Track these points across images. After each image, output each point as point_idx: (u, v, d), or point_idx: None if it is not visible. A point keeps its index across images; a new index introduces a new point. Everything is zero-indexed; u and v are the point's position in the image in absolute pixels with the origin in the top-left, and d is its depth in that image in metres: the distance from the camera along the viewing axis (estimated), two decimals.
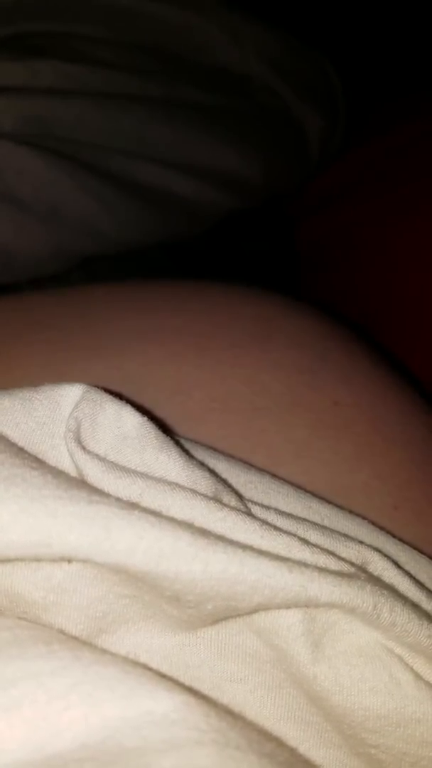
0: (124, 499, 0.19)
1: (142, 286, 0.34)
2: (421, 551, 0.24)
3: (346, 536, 0.23)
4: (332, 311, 0.36)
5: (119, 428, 0.21)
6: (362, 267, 0.56)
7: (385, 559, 0.23)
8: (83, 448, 0.20)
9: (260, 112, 0.57)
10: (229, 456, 0.24)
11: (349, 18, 0.72)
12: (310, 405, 0.28)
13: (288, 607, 0.19)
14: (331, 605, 0.19)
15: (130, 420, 0.21)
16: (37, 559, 0.17)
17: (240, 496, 0.23)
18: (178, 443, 0.22)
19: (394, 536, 0.24)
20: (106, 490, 0.19)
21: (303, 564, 0.19)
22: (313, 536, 0.22)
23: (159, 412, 0.26)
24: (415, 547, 0.24)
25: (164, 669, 0.20)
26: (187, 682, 0.20)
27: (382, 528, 0.24)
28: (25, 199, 0.42)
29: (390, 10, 0.73)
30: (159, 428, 0.21)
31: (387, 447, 0.28)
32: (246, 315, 0.31)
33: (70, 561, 0.18)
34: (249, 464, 0.24)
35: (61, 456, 0.20)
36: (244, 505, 0.22)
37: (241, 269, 0.59)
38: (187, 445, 0.23)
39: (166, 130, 0.49)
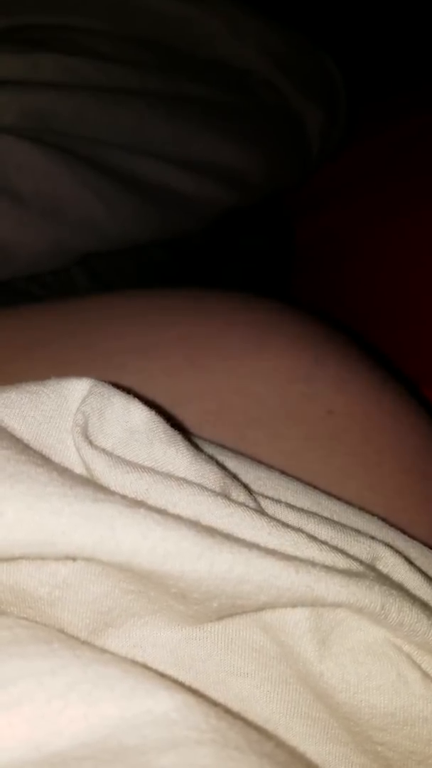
0: (131, 494, 0.19)
1: (137, 297, 0.34)
2: None
3: (357, 532, 0.23)
4: (326, 313, 0.36)
5: (127, 422, 0.21)
6: (350, 267, 0.56)
7: (396, 555, 0.23)
8: (90, 442, 0.20)
9: (260, 107, 0.56)
10: (239, 453, 0.24)
11: (349, 13, 0.71)
12: (303, 415, 0.28)
13: (294, 605, 0.19)
14: (338, 605, 0.19)
15: (138, 414, 0.21)
16: (42, 557, 0.17)
17: (249, 491, 0.22)
18: (186, 438, 0.21)
19: (405, 532, 0.24)
20: (112, 485, 0.19)
21: (310, 563, 0.19)
22: (323, 532, 0.22)
23: None
24: None
25: (171, 662, 0.20)
26: (193, 675, 0.20)
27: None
28: (25, 194, 0.42)
29: (390, 6, 0.71)
30: (168, 423, 0.21)
31: (379, 457, 0.27)
32: (241, 323, 0.31)
33: (74, 559, 0.18)
34: (258, 461, 0.24)
35: (67, 450, 0.20)
36: (253, 500, 0.22)
37: (239, 265, 0.58)
38: (196, 442, 0.23)
39: (165, 125, 0.49)
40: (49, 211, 0.43)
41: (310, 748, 0.20)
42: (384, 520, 0.24)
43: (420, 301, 0.50)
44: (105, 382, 0.21)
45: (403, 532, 0.24)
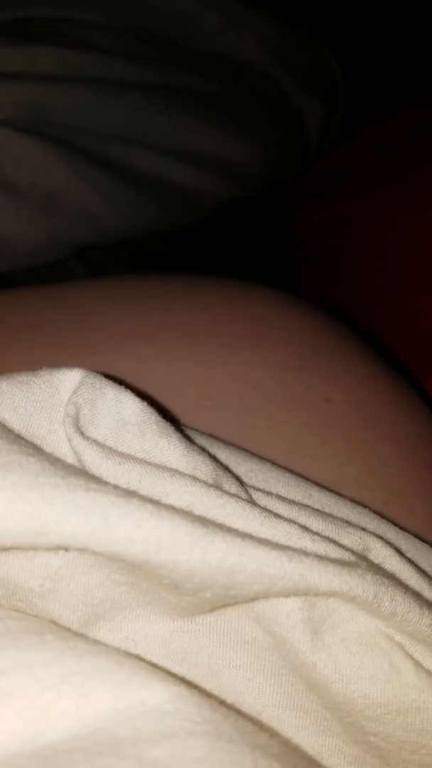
0: (123, 485, 0.19)
1: (136, 283, 0.34)
2: None
3: (348, 523, 0.23)
4: (324, 304, 0.36)
5: (119, 413, 0.21)
6: (349, 260, 0.56)
7: (387, 546, 0.23)
8: (82, 433, 0.20)
9: (259, 100, 0.56)
10: (230, 444, 0.24)
11: (349, 6, 0.71)
12: (301, 402, 0.28)
13: (287, 595, 0.19)
14: (331, 594, 0.19)
15: (130, 405, 0.21)
16: (34, 548, 0.16)
17: (241, 482, 0.22)
18: (178, 429, 0.21)
19: (395, 524, 0.24)
20: (104, 476, 0.19)
21: (303, 552, 0.19)
22: (315, 523, 0.22)
23: None
24: None
25: (162, 655, 0.20)
26: (186, 668, 0.20)
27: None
28: (22, 186, 0.42)
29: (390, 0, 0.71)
30: (160, 415, 0.21)
31: (377, 443, 0.27)
32: (239, 312, 0.31)
33: (66, 549, 0.17)
34: (250, 453, 0.24)
35: (59, 441, 0.20)
36: (245, 491, 0.22)
37: (237, 258, 0.58)
38: (188, 433, 0.23)
39: (163, 118, 0.49)
40: (45, 203, 0.43)
41: (303, 740, 0.20)
42: (379, 509, 0.24)
43: (418, 294, 0.50)
44: (98, 371, 0.21)
45: (402, 518, 0.24)
